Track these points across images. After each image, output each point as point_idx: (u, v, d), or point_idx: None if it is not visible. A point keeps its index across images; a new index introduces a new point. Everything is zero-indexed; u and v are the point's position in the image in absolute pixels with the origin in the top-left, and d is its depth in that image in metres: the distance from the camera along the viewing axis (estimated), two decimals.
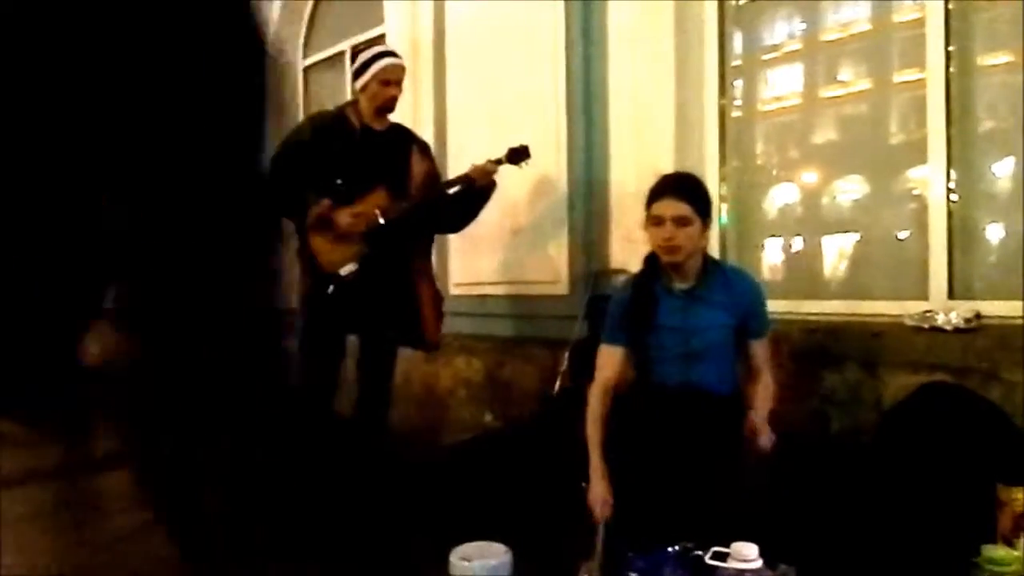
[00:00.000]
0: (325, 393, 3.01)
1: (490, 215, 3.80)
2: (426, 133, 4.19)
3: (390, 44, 3.13)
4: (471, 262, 3.97)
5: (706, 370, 2.23)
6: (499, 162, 2.98)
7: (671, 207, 2.16)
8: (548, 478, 2.37)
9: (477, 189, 2.99)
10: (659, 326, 2.24)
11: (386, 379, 3.12)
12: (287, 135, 3.09)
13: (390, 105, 3.03)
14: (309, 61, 5.65)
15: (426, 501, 2.80)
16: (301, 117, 5.05)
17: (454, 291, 4.07)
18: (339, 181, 2.93)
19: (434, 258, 4.13)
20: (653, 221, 2.19)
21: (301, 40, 5.62)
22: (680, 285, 2.25)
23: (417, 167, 3.08)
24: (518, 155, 2.99)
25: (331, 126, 3.03)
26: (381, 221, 2.91)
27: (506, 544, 1.97)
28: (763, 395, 2.18)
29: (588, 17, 3.42)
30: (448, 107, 4.09)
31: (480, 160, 3.01)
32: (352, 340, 3.11)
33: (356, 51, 3.14)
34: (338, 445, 3.06)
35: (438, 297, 3.14)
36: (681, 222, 2.15)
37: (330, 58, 5.45)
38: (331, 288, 2.89)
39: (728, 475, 2.02)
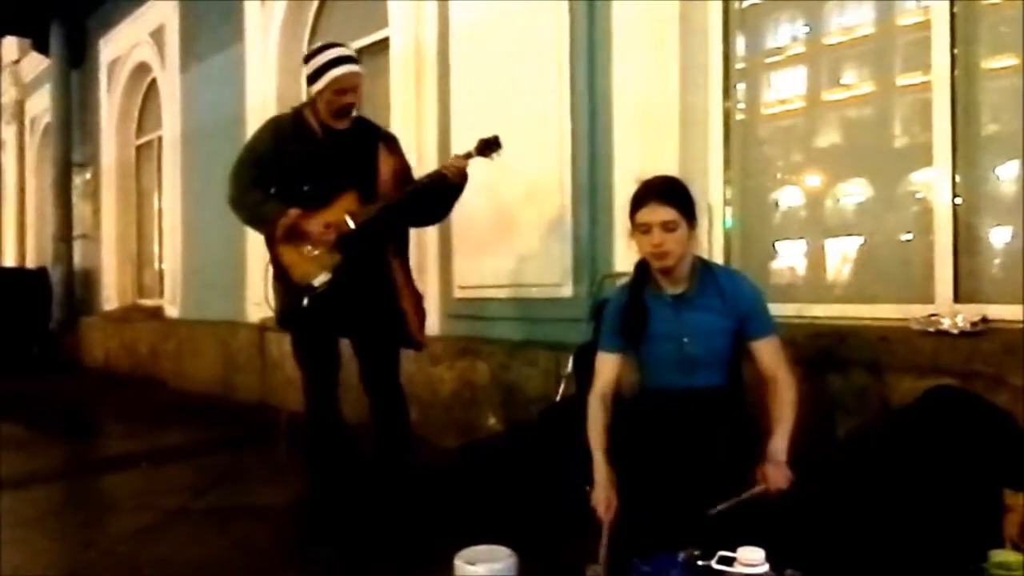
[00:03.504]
0: (327, 400, 2.98)
1: (494, 217, 3.82)
2: (430, 136, 4.21)
3: (347, 49, 2.99)
4: (475, 265, 3.97)
5: (706, 376, 2.22)
6: (469, 155, 2.89)
7: (657, 213, 2.15)
8: (553, 481, 2.36)
9: (449, 184, 2.90)
10: (652, 333, 2.23)
11: (391, 383, 3.05)
12: (248, 142, 3.06)
13: (346, 112, 2.95)
14: None
15: (431, 504, 2.80)
16: None
17: (458, 294, 4.08)
18: (306, 187, 2.87)
19: (438, 261, 4.18)
20: (640, 229, 2.18)
21: (305, 43, 5.61)
22: (671, 291, 2.24)
23: (385, 165, 2.99)
24: (489, 146, 2.89)
25: (291, 129, 2.97)
26: (352, 226, 2.85)
27: (511, 548, 1.97)
28: (778, 413, 2.10)
29: (593, 19, 3.42)
30: (452, 110, 4.09)
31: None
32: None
33: (309, 55, 2.98)
34: (351, 454, 3.04)
35: (418, 294, 3.08)
36: (668, 227, 2.14)
37: None
38: (305, 300, 2.84)
39: (731, 479, 2.02)
